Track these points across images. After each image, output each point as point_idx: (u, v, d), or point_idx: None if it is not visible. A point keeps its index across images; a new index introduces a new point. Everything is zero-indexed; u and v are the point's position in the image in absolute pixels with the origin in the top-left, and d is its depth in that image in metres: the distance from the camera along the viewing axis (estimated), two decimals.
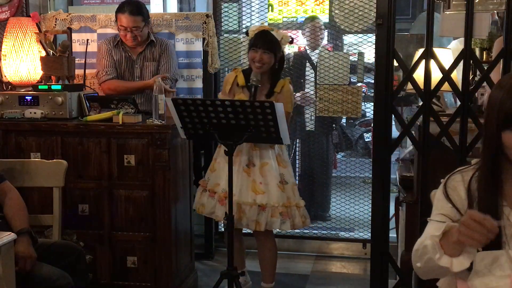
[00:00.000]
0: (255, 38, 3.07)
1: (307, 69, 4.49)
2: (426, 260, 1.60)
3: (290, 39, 3.15)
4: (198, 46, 3.88)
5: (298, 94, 4.46)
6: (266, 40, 3.04)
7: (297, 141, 4.65)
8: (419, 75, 2.64)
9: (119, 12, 3.45)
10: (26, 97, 3.24)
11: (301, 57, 4.52)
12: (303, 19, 4.77)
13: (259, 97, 3.05)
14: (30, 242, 2.38)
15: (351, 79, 4.15)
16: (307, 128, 4.54)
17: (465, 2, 2.49)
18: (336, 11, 4.20)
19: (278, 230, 3.20)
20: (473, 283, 1.51)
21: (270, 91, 3.13)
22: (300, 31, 4.71)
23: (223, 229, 4.08)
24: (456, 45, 3.49)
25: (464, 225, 1.47)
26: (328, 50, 4.35)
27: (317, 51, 4.47)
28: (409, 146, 3.77)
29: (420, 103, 2.68)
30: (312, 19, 4.57)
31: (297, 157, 4.67)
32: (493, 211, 1.60)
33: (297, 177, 4.69)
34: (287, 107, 3.09)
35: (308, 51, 4.54)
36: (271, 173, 3.07)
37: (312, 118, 4.46)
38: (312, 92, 4.45)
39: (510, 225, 1.61)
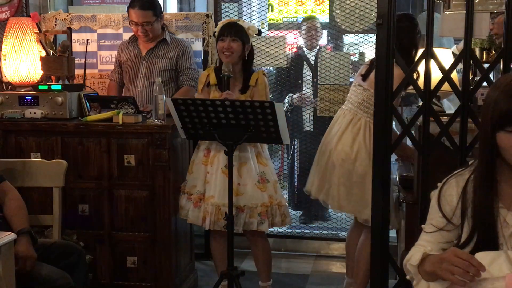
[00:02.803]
0: (221, 29, 3.07)
1: (305, 69, 4.49)
2: (410, 277, 1.73)
3: (258, 31, 3.15)
4: (198, 46, 3.88)
5: (296, 95, 4.45)
6: (233, 29, 3.05)
7: (296, 141, 4.64)
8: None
9: (129, 7, 3.46)
10: (26, 97, 3.24)
11: (299, 58, 4.52)
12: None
13: (232, 91, 3.00)
14: (30, 242, 2.38)
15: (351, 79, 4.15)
16: (306, 129, 4.53)
17: (465, 2, 2.48)
18: (337, 11, 4.19)
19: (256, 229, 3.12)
20: (470, 284, 1.51)
21: (244, 85, 3.09)
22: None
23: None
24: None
25: (448, 260, 1.51)
26: (329, 50, 4.35)
27: (315, 50, 4.47)
28: None
29: (420, 103, 2.68)
30: (309, 19, 4.57)
31: (295, 157, 4.67)
32: (489, 213, 1.61)
33: (295, 177, 4.70)
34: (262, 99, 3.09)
35: (306, 51, 4.53)
36: (249, 173, 3.03)
37: (311, 118, 4.45)
38: (310, 93, 4.45)
39: (507, 227, 1.61)
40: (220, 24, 3.15)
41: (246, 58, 3.11)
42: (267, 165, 3.12)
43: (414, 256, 1.69)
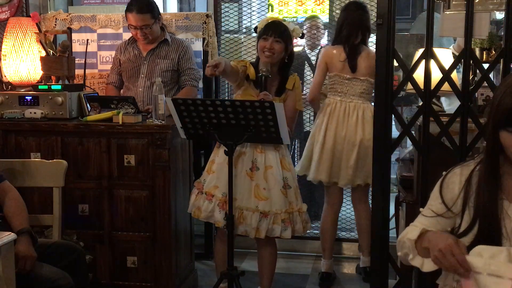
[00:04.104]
0: (266, 27, 2.96)
1: (306, 69, 4.48)
2: (404, 253, 1.73)
3: (301, 34, 3.07)
4: (198, 46, 3.88)
5: None
6: (278, 29, 2.94)
7: (296, 141, 4.64)
8: (419, 75, 2.64)
9: (127, 11, 3.44)
10: (26, 97, 3.24)
11: (300, 57, 4.51)
12: (303, 19, 4.77)
13: (269, 92, 2.92)
14: (30, 242, 2.38)
15: None
16: (306, 129, 4.53)
17: (465, 2, 2.49)
18: (337, 11, 4.19)
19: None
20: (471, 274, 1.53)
21: (280, 88, 3.01)
22: None
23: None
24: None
25: (442, 253, 1.53)
26: None
27: (316, 50, 4.46)
28: (409, 146, 3.77)
29: (420, 103, 2.69)
30: (312, 18, 4.57)
31: (295, 157, 4.67)
32: (492, 205, 1.62)
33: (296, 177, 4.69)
34: (299, 105, 3.06)
35: (307, 51, 4.53)
36: (274, 177, 2.94)
37: (311, 119, 4.45)
38: None
39: (509, 219, 1.62)
40: (264, 21, 3.04)
41: (286, 61, 3.04)
42: (290, 170, 3.02)
43: (412, 232, 1.70)
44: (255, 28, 3.09)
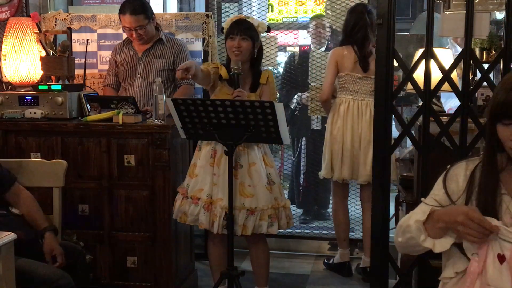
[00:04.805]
0: (231, 27, 3.02)
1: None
2: (408, 237, 1.70)
3: (267, 28, 3.11)
4: (198, 46, 3.88)
5: (305, 94, 4.43)
6: (243, 27, 2.99)
7: (303, 139, 4.66)
8: (419, 75, 2.64)
9: (120, 13, 3.44)
10: (26, 97, 3.24)
11: (307, 57, 4.50)
12: (303, 19, 4.77)
13: (243, 89, 2.96)
14: (56, 238, 2.53)
15: None
16: (313, 127, 4.54)
17: (465, 2, 2.49)
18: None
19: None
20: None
21: (254, 83, 3.05)
22: (299, 31, 4.71)
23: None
24: None
25: (463, 225, 1.54)
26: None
27: (322, 49, 4.45)
28: (409, 146, 3.78)
29: (420, 103, 2.69)
30: (318, 17, 4.57)
31: (302, 155, 4.68)
32: (493, 199, 1.64)
33: (302, 175, 4.70)
34: (273, 98, 3.08)
35: (313, 49, 4.51)
36: (259, 174, 2.96)
37: (318, 117, 4.46)
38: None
39: (510, 214, 1.62)
40: (229, 20, 3.09)
41: (255, 56, 3.07)
42: (272, 166, 3.07)
43: (418, 214, 1.68)
44: (222, 29, 3.14)
